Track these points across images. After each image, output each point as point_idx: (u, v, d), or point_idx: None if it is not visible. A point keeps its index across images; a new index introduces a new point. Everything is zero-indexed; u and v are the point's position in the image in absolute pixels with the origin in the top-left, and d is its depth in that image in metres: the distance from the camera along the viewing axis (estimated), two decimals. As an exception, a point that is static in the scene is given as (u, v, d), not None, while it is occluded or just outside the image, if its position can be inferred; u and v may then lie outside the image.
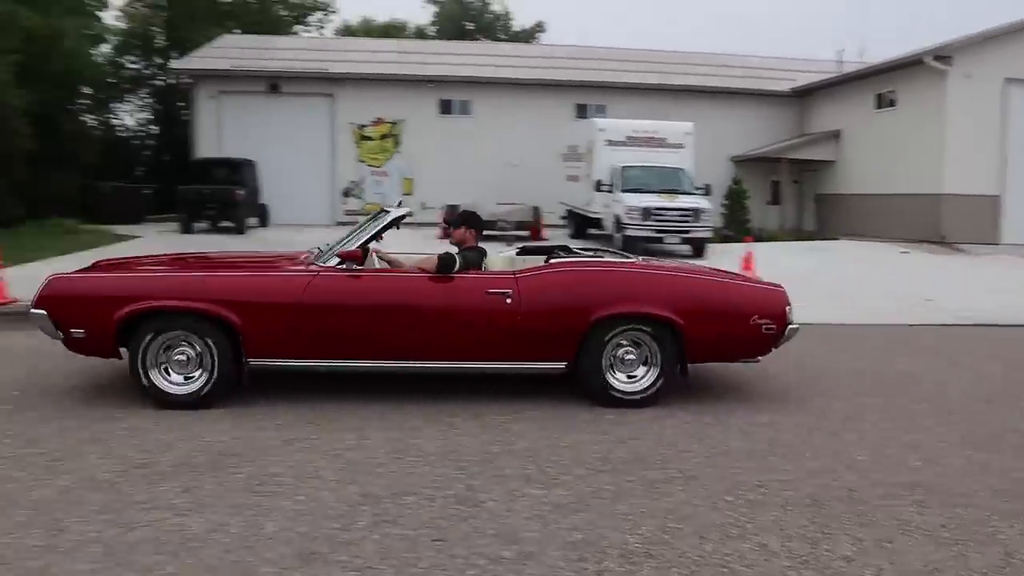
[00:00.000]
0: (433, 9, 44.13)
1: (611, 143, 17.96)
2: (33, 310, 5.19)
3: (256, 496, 3.74)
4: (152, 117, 32.23)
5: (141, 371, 5.07)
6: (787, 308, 5.55)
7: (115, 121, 31.38)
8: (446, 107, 23.69)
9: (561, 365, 5.41)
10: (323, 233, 18.84)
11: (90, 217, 20.90)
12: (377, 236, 5.57)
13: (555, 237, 18.47)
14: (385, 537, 3.34)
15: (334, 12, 37.97)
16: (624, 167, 17.06)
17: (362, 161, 23.36)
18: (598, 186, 17.17)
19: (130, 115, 32.25)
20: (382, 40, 31.15)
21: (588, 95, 23.88)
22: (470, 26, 43.11)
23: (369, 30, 40.93)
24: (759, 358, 5.75)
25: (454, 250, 5.61)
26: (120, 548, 3.18)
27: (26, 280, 9.75)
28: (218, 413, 5.03)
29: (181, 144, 24.86)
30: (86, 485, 3.83)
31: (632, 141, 18.07)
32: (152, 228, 20.09)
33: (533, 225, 18.71)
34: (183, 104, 27.17)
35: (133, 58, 32.23)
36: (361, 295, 5.22)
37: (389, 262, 5.91)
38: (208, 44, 25.71)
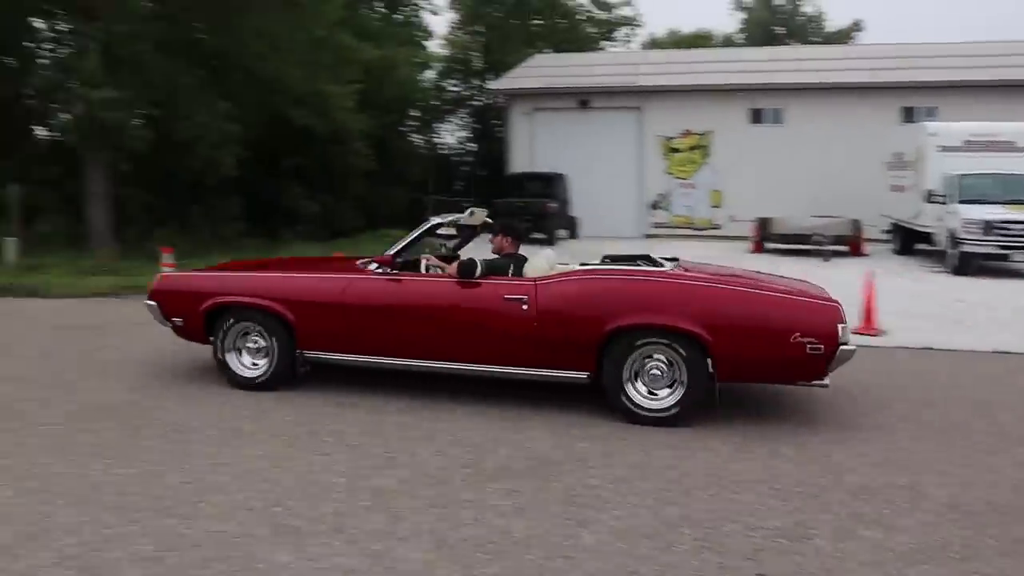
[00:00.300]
0: (741, 16, 43.04)
1: (944, 149, 16.09)
2: (147, 302, 6.25)
3: (575, 507, 3.80)
4: (470, 135, 35.05)
5: (220, 355, 5.97)
6: (839, 327, 4.80)
7: (437, 140, 34.64)
8: (756, 116, 22.84)
9: (583, 375, 5.22)
10: (628, 245, 19.28)
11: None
12: (411, 245, 5.90)
13: (877, 252, 17.01)
14: (704, 564, 3.21)
15: (640, 26, 38.50)
16: (961, 175, 15.20)
17: (670, 173, 23.29)
18: (929, 197, 15.47)
19: (451, 134, 35.40)
20: (689, 51, 30.93)
21: (915, 97, 21.64)
22: (780, 30, 41.35)
23: (677, 41, 40.90)
24: (826, 381, 4.98)
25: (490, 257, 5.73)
26: (449, 541, 3.39)
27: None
28: (537, 421, 5.22)
29: (496, 159, 26.68)
30: (420, 479, 4.16)
31: (970, 146, 16.04)
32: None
33: (853, 240, 17.33)
34: (498, 122, 29.19)
35: (454, 81, 35.39)
36: (391, 297, 5.56)
37: (439, 268, 5.94)
38: (521, 64, 27.32)
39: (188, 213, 18.18)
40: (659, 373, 5.08)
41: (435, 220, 6.18)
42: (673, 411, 5.04)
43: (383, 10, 31.26)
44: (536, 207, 19.65)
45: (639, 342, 5.05)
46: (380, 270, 5.78)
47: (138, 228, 16.98)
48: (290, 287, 5.87)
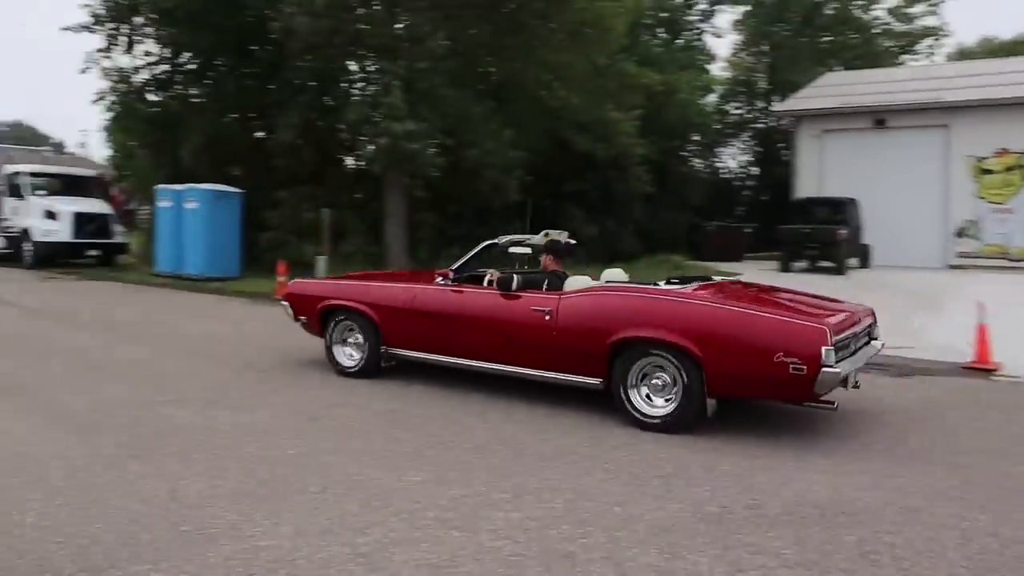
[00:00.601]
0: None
1: None
2: (282, 302, 7.98)
3: (871, 566, 3.41)
4: (752, 159, 33.92)
5: (328, 347, 7.47)
6: (823, 349, 4.83)
7: (719, 164, 33.91)
8: (1091, 132, 19.73)
9: (596, 381, 5.80)
10: (928, 276, 17.50)
11: (695, 254, 22.81)
12: (471, 261, 6.93)
13: None
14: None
15: (946, 35, 34.71)
16: None
17: (981, 198, 20.84)
18: None
19: (732, 158, 34.48)
20: (1006, 60, 27.49)
21: None
22: None
23: (991, 50, 36.64)
24: (834, 403, 5.25)
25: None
26: (730, 588, 3.19)
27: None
28: (821, 465, 4.83)
29: (780, 184, 25.55)
30: (696, 515, 3.98)
31: None
32: (751, 266, 20.93)
33: None
34: (783, 144, 27.97)
35: (737, 104, 34.49)
36: (448, 305, 6.63)
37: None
38: (810, 84, 25.98)
39: (474, 236, 19.38)
40: (660, 384, 5.55)
41: (500, 240, 7.13)
42: (668, 419, 5.45)
43: (664, 36, 31.38)
44: (824, 234, 18.50)
45: (638, 353, 5.56)
46: (443, 282, 6.83)
47: (429, 248, 18.39)
48: (376, 294, 7.17)
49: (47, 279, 17.53)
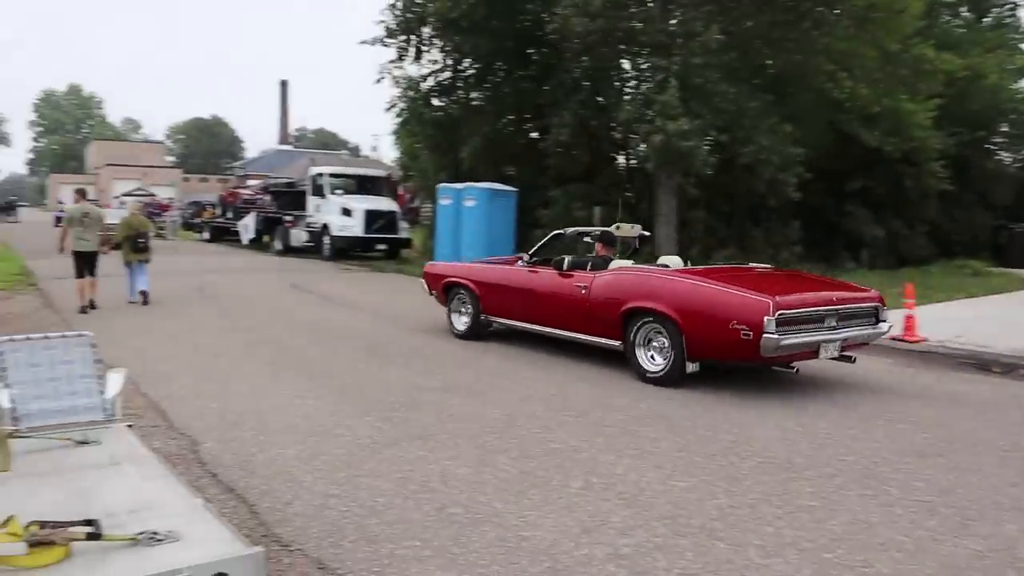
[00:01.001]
0: None
1: None
2: (421, 280, 10.65)
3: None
4: (1076, 150, 29.95)
5: (448, 313, 9.97)
6: (764, 318, 6.25)
7: (1032, 158, 30.31)
8: None
9: (617, 343, 7.59)
10: None
11: (999, 259, 20.70)
12: (543, 247, 9.46)
13: None
14: None
15: None
16: None
17: None
18: None
19: (1050, 150, 30.66)
20: None
21: None
22: None
23: None
24: (795, 368, 6.95)
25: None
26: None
27: (935, 321, 10.28)
28: None
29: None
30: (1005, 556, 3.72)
31: None
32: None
33: None
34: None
35: (1060, 87, 30.61)
36: (523, 282, 8.84)
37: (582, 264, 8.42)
38: None
39: (748, 235, 19.03)
40: (659, 346, 7.25)
41: (567, 231, 9.71)
42: (661, 373, 7.11)
43: (968, 15, 28.62)
44: None
45: (640, 320, 7.30)
46: (521, 264, 9.19)
47: (700, 248, 18.36)
48: (477, 273, 9.58)
49: (342, 270, 19.75)
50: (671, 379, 7.04)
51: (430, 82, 22.15)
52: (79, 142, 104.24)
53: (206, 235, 33.55)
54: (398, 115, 23.01)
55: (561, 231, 9.62)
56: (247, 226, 27.81)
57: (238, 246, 27.75)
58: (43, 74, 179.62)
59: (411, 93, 22.09)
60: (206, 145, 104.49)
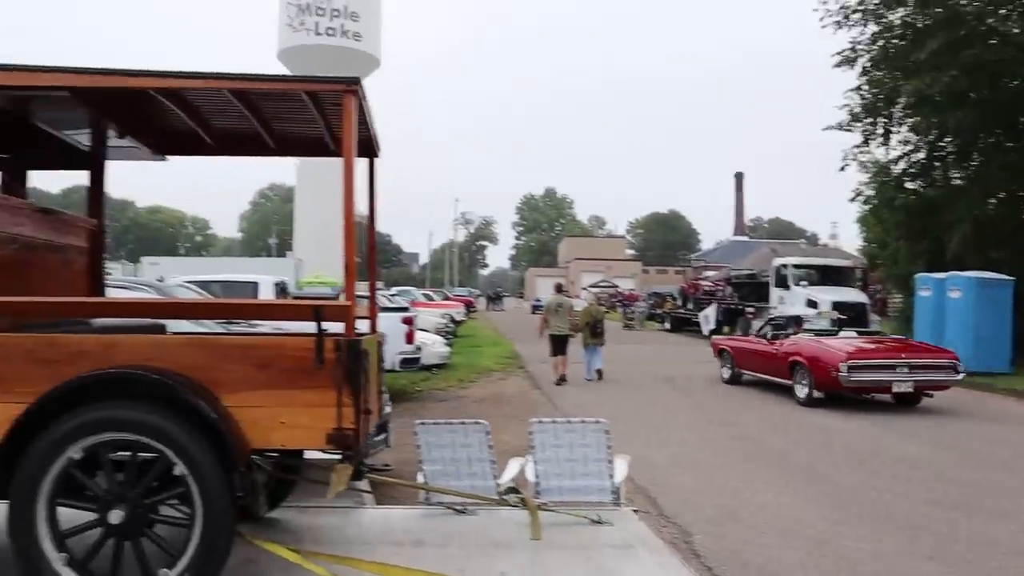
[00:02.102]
0: None
1: None
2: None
3: None
4: None
5: (721, 367, 16.86)
6: (841, 363, 12.11)
7: None
8: None
9: (789, 383, 13.93)
10: None
11: None
12: (779, 327, 15.53)
13: None
14: None
15: None
16: None
17: None
18: None
19: None
20: None
21: None
22: None
23: None
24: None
25: None
26: None
27: None
28: None
29: None
30: None
31: None
32: None
33: None
34: None
35: None
36: (753, 348, 15.49)
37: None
38: None
39: None
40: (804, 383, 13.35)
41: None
42: (805, 400, 13.06)
43: None
44: None
45: (794, 365, 13.60)
46: (755, 338, 15.47)
47: None
48: (731, 343, 16.68)
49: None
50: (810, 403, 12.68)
51: (902, 164, 21.98)
52: (552, 239, 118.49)
53: (667, 325, 36.19)
54: (864, 202, 23.10)
55: (798, 314, 16.00)
56: (708, 317, 29.64)
57: (698, 336, 29.19)
58: (525, 181, 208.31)
59: (881, 177, 22.14)
60: (663, 237, 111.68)
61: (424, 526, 5.18)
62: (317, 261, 51.77)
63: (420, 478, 5.52)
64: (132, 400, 3.73)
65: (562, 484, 5.45)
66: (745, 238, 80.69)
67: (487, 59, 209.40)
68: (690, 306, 33.40)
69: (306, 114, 4.65)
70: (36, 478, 3.66)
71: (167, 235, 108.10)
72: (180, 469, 3.64)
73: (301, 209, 69.76)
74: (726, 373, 16.17)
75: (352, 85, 3.93)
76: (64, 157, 5.39)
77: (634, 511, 5.42)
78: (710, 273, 37.58)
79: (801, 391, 12.93)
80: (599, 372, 16.33)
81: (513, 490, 5.44)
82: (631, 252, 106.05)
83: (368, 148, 4.79)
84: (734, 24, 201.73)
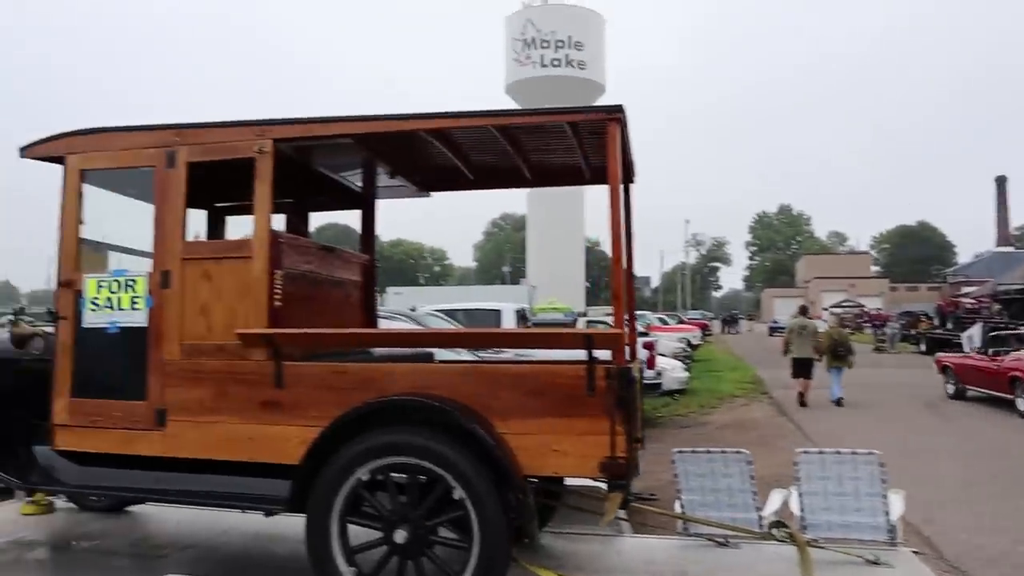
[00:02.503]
0: None
1: None
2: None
3: None
4: None
5: (944, 384, 17.57)
6: None
7: None
8: None
9: (1002, 394, 14.56)
10: None
11: None
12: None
13: None
14: None
15: None
16: None
17: None
18: None
19: None
20: None
21: None
22: None
23: None
24: None
25: None
26: None
27: None
28: None
29: None
30: None
31: None
32: None
33: None
34: None
35: None
36: (972, 363, 16.63)
37: None
38: None
39: None
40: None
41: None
42: None
43: None
44: None
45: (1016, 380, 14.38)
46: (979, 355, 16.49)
47: None
48: (954, 360, 17.17)
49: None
50: None
51: None
52: (789, 258, 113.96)
53: (922, 347, 33.60)
54: None
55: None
56: (972, 337, 27.11)
57: (960, 359, 27.13)
58: (757, 199, 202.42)
59: None
60: (912, 252, 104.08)
61: (686, 557, 5.08)
62: (550, 287, 53.37)
63: (677, 507, 5.43)
64: (413, 426, 3.93)
65: (831, 519, 5.17)
66: (1010, 249, 73.40)
67: (707, 75, 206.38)
68: (949, 326, 30.76)
69: (565, 144, 4.77)
70: (330, 497, 3.95)
71: (408, 266, 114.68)
72: (459, 493, 3.79)
73: (533, 236, 72.27)
74: (950, 389, 16.98)
75: (615, 114, 3.98)
76: (339, 199, 5.85)
77: (914, 552, 5.04)
78: (971, 289, 34.48)
79: (1022, 404, 13.69)
80: (839, 400, 15.99)
81: (780, 524, 5.19)
82: (876, 269, 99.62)
83: (626, 174, 4.82)
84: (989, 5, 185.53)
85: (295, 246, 4.73)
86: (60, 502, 5.97)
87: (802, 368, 15.83)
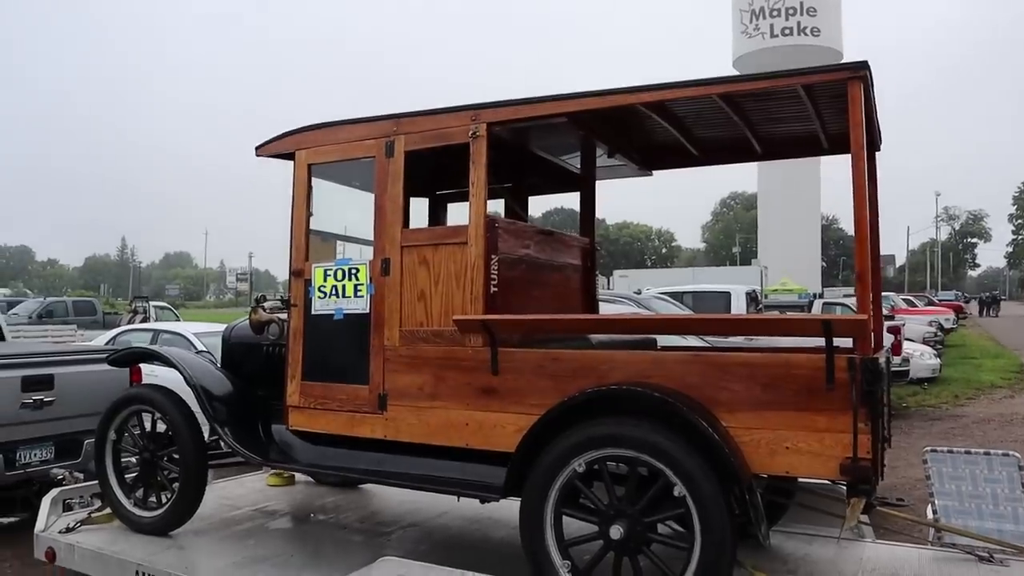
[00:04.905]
0: None
1: None
2: None
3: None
4: None
5: None
6: None
7: None
8: None
9: None
10: None
11: None
12: None
13: None
14: None
15: None
16: None
17: None
18: None
19: None
20: None
21: None
22: None
23: None
24: None
25: None
26: None
27: None
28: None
29: None
30: None
31: None
32: None
33: None
34: None
35: None
36: None
37: None
38: None
39: None
40: None
41: None
42: None
43: None
44: None
45: None
46: None
47: None
48: None
49: None
50: None
51: None
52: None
53: None
54: None
55: None
56: None
57: None
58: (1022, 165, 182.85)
59: None
60: None
61: (941, 571, 4.53)
62: (782, 268, 51.03)
63: (929, 513, 4.87)
64: (631, 416, 3.73)
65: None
66: None
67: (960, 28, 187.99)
68: None
69: (798, 111, 4.35)
70: (545, 487, 3.84)
71: (635, 249, 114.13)
72: (680, 490, 3.56)
73: (764, 215, 69.12)
74: None
75: (859, 71, 3.53)
76: (558, 181, 5.74)
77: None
78: None
79: None
80: None
81: (1061, 541, 4.54)
82: None
83: (870, 142, 4.32)
84: None
85: (512, 230, 4.65)
86: (300, 476, 6.32)
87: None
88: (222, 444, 5.20)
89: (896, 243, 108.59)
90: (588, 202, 5.68)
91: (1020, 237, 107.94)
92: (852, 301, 29.03)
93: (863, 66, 3.54)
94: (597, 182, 5.73)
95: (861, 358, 3.42)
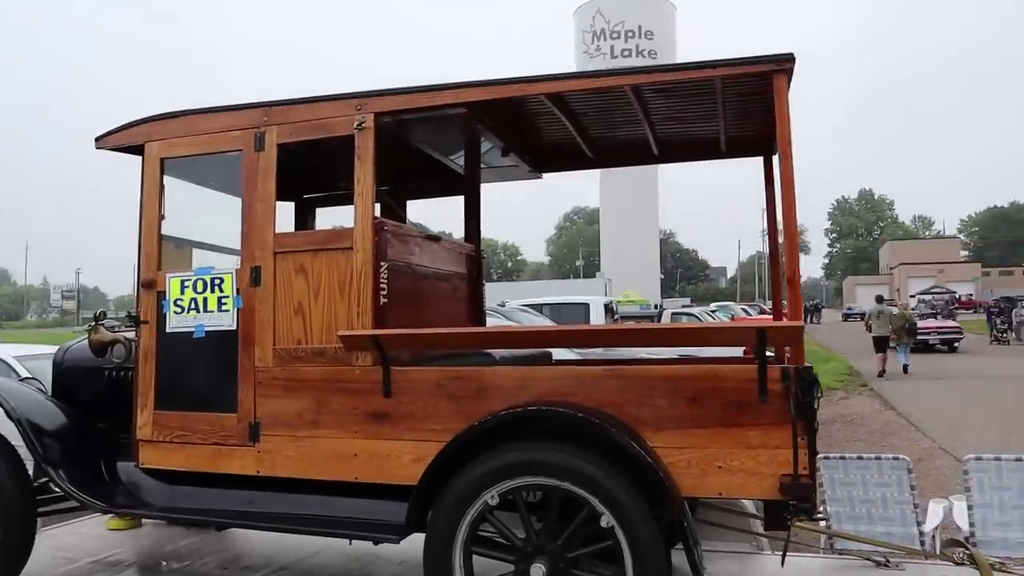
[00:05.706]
0: None
1: None
2: None
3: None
4: None
5: None
6: None
7: None
8: None
9: None
10: None
11: None
12: None
13: None
14: None
15: None
16: None
17: None
18: None
19: None
20: None
21: None
22: None
23: None
24: None
25: None
26: None
27: None
28: None
29: None
30: None
31: None
32: None
33: None
34: None
35: None
36: None
37: None
38: None
39: None
40: None
41: None
42: None
43: None
44: None
45: None
46: None
47: None
48: None
49: None
50: None
51: None
52: (871, 244, 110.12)
53: (1029, 337, 31.39)
54: None
55: None
56: None
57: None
58: (837, 184, 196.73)
59: None
60: (1005, 234, 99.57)
61: (846, 580, 4.39)
62: (624, 280, 52.42)
63: (822, 521, 4.75)
64: (550, 440, 3.34)
65: (1007, 536, 4.46)
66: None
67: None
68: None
69: (704, 109, 4.11)
70: (453, 524, 3.40)
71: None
72: (607, 520, 3.19)
73: (606, 228, 71.04)
74: None
75: (784, 63, 3.29)
76: (442, 183, 5.32)
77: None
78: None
79: None
80: (905, 367, 19.96)
81: (956, 542, 4.51)
82: (965, 254, 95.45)
83: (770, 144, 4.12)
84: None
85: (399, 235, 4.18)
86: (148, 517, 5.55)
87: (880, 344, 19.97)
88: (54, 487, 4.40)
89: (728, 255, 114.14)
90: (473, 206, 5.26)
91: (835, 250, 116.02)
92: (698, 310, 30.14)
93: (789, 58, 3.31)
94: (482, 185, 5.32)
95: (796, 367, 3.18)
